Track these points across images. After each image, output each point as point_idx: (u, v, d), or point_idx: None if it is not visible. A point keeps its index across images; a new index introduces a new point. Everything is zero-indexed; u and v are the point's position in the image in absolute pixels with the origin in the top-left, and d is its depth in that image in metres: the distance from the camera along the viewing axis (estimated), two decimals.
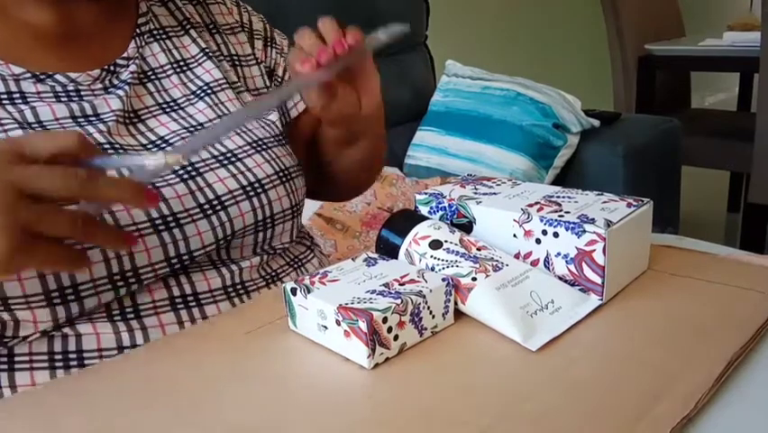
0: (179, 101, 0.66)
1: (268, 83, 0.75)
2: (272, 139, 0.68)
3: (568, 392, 0.38)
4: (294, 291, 0.47)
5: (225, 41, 0.73)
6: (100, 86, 0.61)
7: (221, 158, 0.62)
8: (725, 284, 0.50)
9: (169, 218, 0.57)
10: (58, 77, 0.59)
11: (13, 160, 0.41)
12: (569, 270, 0.49)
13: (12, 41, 0.58)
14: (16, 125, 0.55)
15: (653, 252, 0.55)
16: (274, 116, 0.72)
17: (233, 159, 0.63)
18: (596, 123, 1.70)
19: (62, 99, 0.58)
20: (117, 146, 0.58)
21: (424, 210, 0.57)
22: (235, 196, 0.61)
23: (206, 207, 0.59)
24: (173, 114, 0.64)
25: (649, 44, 2.22)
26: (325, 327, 0.44)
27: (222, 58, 0.71)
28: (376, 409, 0.38)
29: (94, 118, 0.59)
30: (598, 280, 0.48)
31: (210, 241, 0.59)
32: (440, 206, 0.56)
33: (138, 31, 0.66)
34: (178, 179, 0.59)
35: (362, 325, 0.42)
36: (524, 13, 2.98)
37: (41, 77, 0.58)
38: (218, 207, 0.60)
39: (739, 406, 0.37)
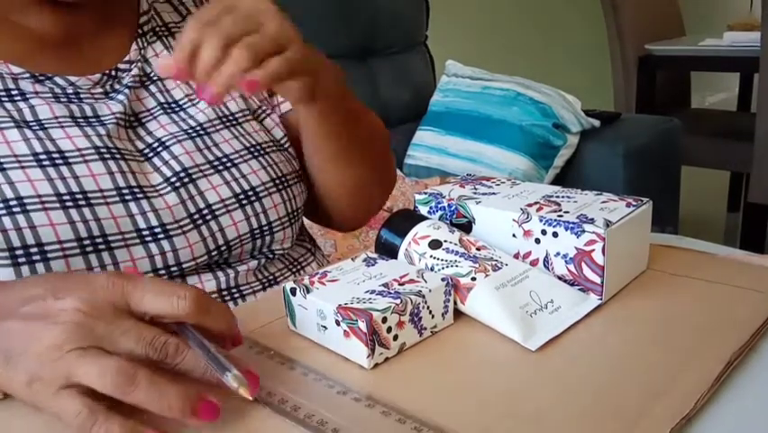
0: (181, 102, 0.65)
1: None
2: (270, 144, 0.67)
3: (568, 392, 0.38)
4: (293, 291, 0.47)
5: None
6: (100, 90, 0.61)
7: (216, 163, 0.62)
8: (724, 284, 0.50)
9: (157, 229, 0.57)
10: (57, 79, 0.59)
11: (108, 312, 0.37)
12: (568, 269, 0.49)
13: (12, 44, 0.58)
14: (12, 124, 0.55)
15: (652, 251, 0.55)
16: (276, 118, 0.71)
17: (229, 164, 0.62)
18: (596, 123, 1.70)
19: (61, 100, 0.58)
20: (115, 151, 0.57)
21: (423, 210, 0.57)
22: (227, 205, 0.61)
23: (197, 216, 0.59)
24: (174, 115, 0.64)
25: (649, 44, 2.22)
26: (325, 327, 0.44)
27: None
28: (376, 409, 0.38)
29: (94, 120, 0.59)
30: (597, 279, 0.48)
31: (201, 252, 0.59)
32: (439, 205, 0.56)
33: (140, 31, 0.65)
34: (169, 188, 0.59)
35: (362, 325, 0.42)
36: (524, 12, 2.98)
37: (40, 78, 0.58)
38: (209, 217, 0.60)
39: (739, 406, 0.37)
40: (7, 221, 0.52)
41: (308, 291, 0.46)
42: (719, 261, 0.55)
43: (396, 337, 0.43)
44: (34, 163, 0.54)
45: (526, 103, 1.66)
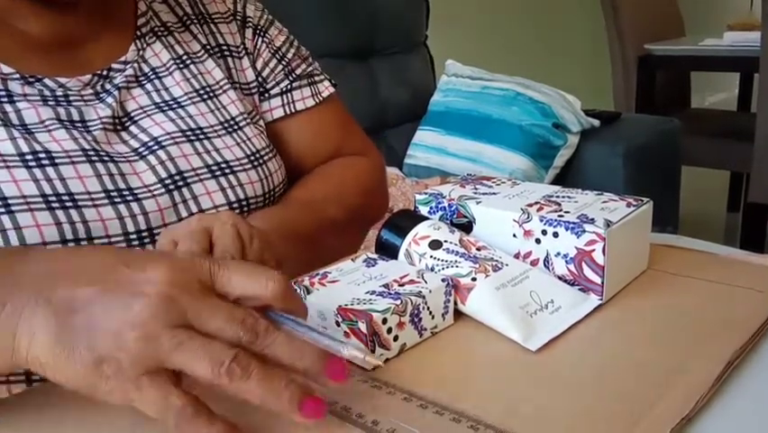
0: (180, 99, 0.64)
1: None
2: (244, 116, 0.66)
3: (568, 393, 0.38)
4: None
5: (213, 30, 0.70)
6: (90, 91, 0.59)
7: (214, 168, 0.61)
8: (725, 284, 0.50)
9: (145, 233, 0.56)
10: (47, 81, 0.57)
11: (195, 288, 0.34)
12: (568, 270, 0.49)
13: (4, 45, 0.57)
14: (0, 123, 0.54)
15: (652, 251, 0.55)
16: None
17: (228, 171, 0.61)
18: (596, 122, 1.70)
19: (49, 103, 0.57)
20: (103, 154, 0.56)
21: (423, 210, 0.57)
22: (199, 174, 0.60)
23: (168, 181, 0.58)
24: (171, 112, 0.62)
25: (649, 44, 2.22)
26: (325, 328, 0.44)
27: (212, 51, 0.68)
28: (380, 404, 0.38)
29: (80, 124, 0.57)
30: (597, 279, 0.48)
31: (173, 219, 0.57)
32: (440, 206, 0.56)
33: (139, 33, 0.64)
34: (162, 190, 0.57)
35: (362, 326, 0.42)
36: (524, 12, 2.98)
37: (30, 79, 0.57)
38: (181, 184, 0.58)
39: (739, 406, 0.37)
40: None
41: (308, 292, 0.46)
42: (720, 260, 0.55)
43: (396, 338, 0.43)
44: (20, 163, 0.52)
45: (526, 103, 1.66)
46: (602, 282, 0.48)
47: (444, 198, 0.55)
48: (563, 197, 0.53)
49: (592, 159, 1.68)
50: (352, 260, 0.51)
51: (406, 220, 0.53)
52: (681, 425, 0.35)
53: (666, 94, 2.42)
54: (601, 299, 0.48)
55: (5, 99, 0.55)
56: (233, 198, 0.61)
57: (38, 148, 0.54)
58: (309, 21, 1.59)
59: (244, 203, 0.62)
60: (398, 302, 0.43)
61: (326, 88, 0.76)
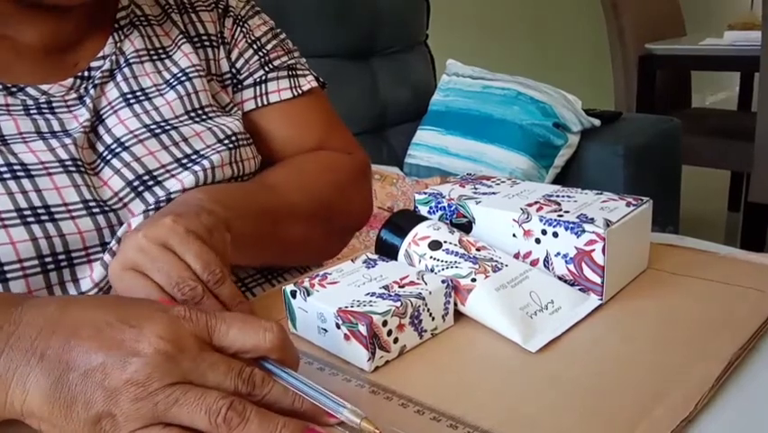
0: (148, 91, 0.61)
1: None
2: (214, 108, 0.64)
3: (568, 393, 0.38)
4: (294, 294, 0.47)
5: (194, 19, 0.67)
6: (74, 96, 0.58)
7: (184, 160, 0.58)
8: (725, 283, 0.50)
9: (91, 203, 0.54)
10: (29, 90, 0.56)
11: (192, 344, 0.34)
12: (568, 270, 0.49)
13: None
14: None
15: (652, 251, 0.54)
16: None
17: (198, 159, 0.59)
18: (596, 122, 1.70)
19: (32, 112, 0.55)
20: (79, 162, 0.55)
21: (423, 210, 0.57)
22: (169, 169, 0.58)
23: (136, 183, 0.56)
24: (137, 105, 0.59)
25: (649, 43, 2.22)
26: (325, 330, 0.44)
27: (189, 40, 0.66)
28: (376, 410, 0.38)
29: (61, 134, 0.56)
30: (597, 279, 0.48)
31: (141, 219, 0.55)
32: (439, 205, 0.55)
33: (117, 25, 0.62)
34: (132, 195, 0.56)
35: (362, 328, 0.41)
36: (525, 12, 2.98)
37: (12, 89, 0.55)
38: (151, 184, 0.56)
39: (739, 406, 0.37)
40: None
41: (308, 294, 0.46)
42: (720, 260, 0.55)
43: (396, 340, 0.43)
44: None
45: (527, 102, 1.66)
46: (602, 282, 0.48)
47: (444, 197, 0.55)
48: (563, 196, 0.53)
49: (593, 158, 1.68)
50: (352, 261, 0.51)
51: (406, 220, 0.53)
52: (682, 427, 0.35)
53: (667, 93, 2.42)
54: (601, 299, 0.48)
55: None
56: (203, 183, 0.58)
57: (12, 160, 0.52)
58: (309, 21, 1.59)
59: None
60: (398, 304, 0.43)
61: (308, 83, 0.72)
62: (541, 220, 0.49)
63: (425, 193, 0.57)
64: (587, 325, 0.46)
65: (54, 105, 0.57)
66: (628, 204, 0.51)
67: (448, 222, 0.55)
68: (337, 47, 1.64)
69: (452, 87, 1.79)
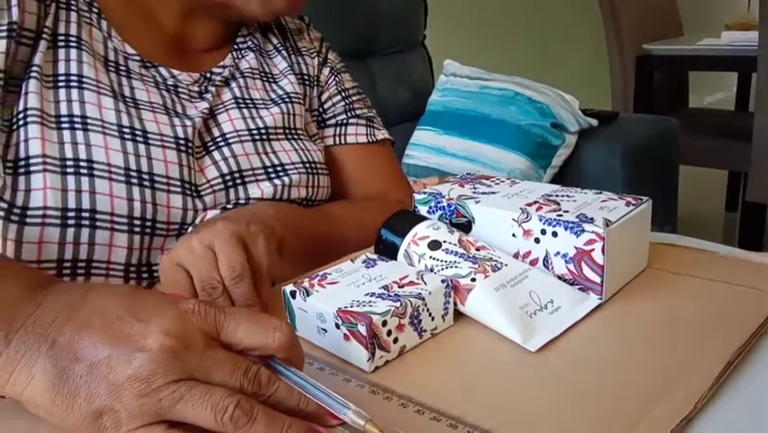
0: (256, 101, 0.70)
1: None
2: (306, 134, 0.72)
3: (568, 393, 0.38)
4: (293, 294, 0.47)
5: (299, 61, 0.78)
6: (197, 89, 0.66)
7: (270, 170, 0.65)
8: (724, 282, 0.50)
9: (186, 184, 0.60)
10: (161, 69, 0.64)
11: (199, 340, 0.34)
12: (568, 269, 0.49)
13: (137, 29, 0.64)
14: (110, 93, 0.58)
15: (652, 250, 0.55)
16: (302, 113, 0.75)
17: (282, 174, 0.66)
18: (594, 122, 1.70)
19: (161, 88, 0.62)
20: (191, 145, 0.61)
21: (423, 210, 0.57)
22: (256, 174, 0.65)
23: (228, 178, 0.63)
24: (245, 110, 0.68)
25: (647, 44, 2.22)
26: (325, 331, 0.44)
27: (295, 74, 0.76)
28: (376, 410, 0.38)
29: (183, 116, 0.63)
30: (597, 279, 0.48)
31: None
32: (439, 205, 0.55)
33: (236, 47, 0.73)
34: (222, 186, 0.62)
35: (362, 328, 0.41)
36: (522, 12, 2.98)
37: (148, 64, 0.63)
38: (239, 183, 0.63)
39: (739, 405, 0.37)
40: (71, 180, 0.54)
41: (308, 294, 0.46)
42: (719, 259, 0.55)
43: (396, 340, 0.43)
44: (116, 133, 0.57)
45: (525, 102, 1.66)
46: (602, 282, 0.48)
47: (444, 197, 0.55)
48: (562, 196, 0.53)
49: (590, 158, 1.68)
50: (352, 261, 0.51)
51: (406, 220, 0.53)
52: (682, 426, 0.35)
53: (664, 93, 2.43)
54: (601, 299, 0.48)
55: (124, 73, 0.61)
56: (279, 197, 0.65)
57: (137, 125, 0.58)
58: (310, 21, 1.59)
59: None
60: (398, 304, 0.43)
61: (382, 134, 0.82)
62: (540, 220, 0.49)
63: (425, 193, 0.57)
64: (586, 324, 0.46)
65: (179, 90, 0.65)
66: (628, 203, 0.51)
67: (447, 222, 0.55)
68: (335, 47, 1.63)
69: (449, 88, 1.79)
